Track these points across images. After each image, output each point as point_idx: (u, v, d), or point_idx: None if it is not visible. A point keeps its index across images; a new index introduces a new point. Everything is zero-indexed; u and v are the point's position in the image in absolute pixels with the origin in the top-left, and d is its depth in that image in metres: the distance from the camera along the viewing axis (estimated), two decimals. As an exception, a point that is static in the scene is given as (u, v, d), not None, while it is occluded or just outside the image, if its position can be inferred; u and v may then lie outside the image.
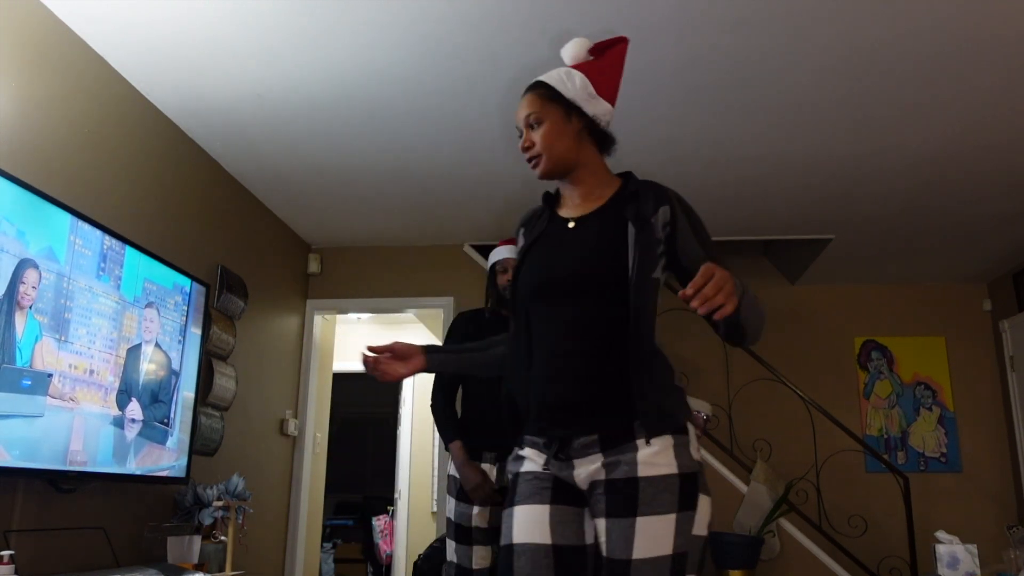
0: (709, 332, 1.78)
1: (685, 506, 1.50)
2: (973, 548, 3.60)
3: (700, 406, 4.64)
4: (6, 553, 2.19)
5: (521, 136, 1.73)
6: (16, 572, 2.21)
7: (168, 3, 2.65)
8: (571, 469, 1.59)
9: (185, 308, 3.25)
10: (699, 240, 1.65)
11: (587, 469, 1.57)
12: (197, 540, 3.12)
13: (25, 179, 2.49)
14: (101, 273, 2.72)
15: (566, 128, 1.69)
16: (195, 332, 3.33)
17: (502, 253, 3.03)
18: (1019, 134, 3.50)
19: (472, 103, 3.31)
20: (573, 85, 1.69)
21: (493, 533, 2.79)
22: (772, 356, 5.22)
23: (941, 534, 3.70)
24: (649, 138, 3.61)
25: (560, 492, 1.61)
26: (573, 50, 1.75)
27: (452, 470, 2.89)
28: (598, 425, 1.57)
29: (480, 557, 2.79)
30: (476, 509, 2.79)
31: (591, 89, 1.70)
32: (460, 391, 3.11)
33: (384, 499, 7.22)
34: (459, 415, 3.00)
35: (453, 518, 2.84)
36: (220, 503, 3.16)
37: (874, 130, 3.50)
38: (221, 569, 3.16)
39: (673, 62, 2.99)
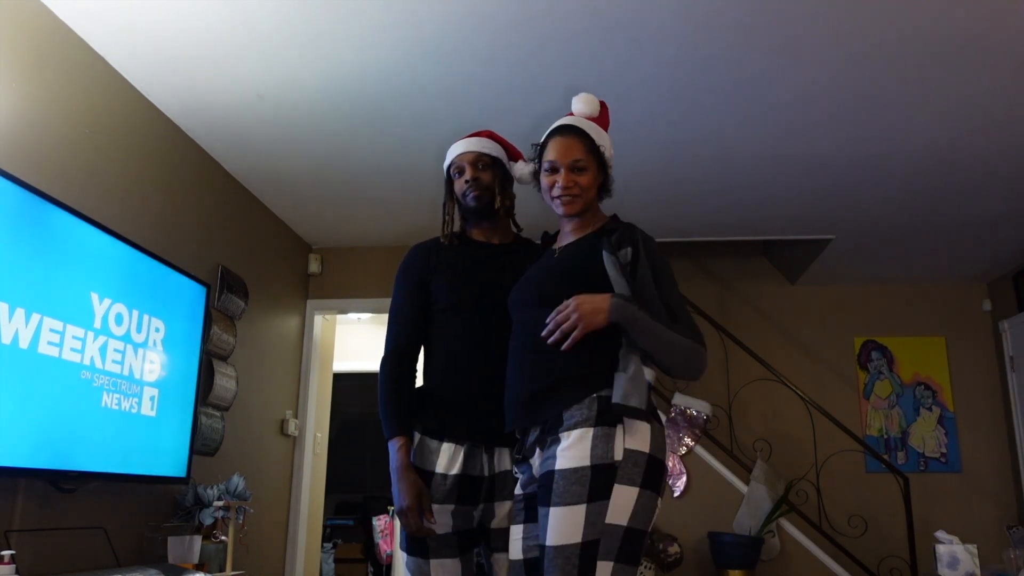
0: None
1: None
2: (973, 548, 3.60)
3: (700, 406, 4.64)
4: (7, 553, 2.19)
5: (555, 172, 1.91)
6: (16, 572, 2.21)
7: (168, 3, 2.65)
8: None
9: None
10: (655, 277, 1.82)
11: None
12: (197, 540, 3.12)
13: (25, 179, 2.50)
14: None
15: (596, 180, 1.94)
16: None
17: (457, 149, 2.18)
18: (1019, 135, 3.50)
19: (471, 104, 3.32)
20: (605, 146, 1.94)
21: (459, 539, 1.97)
22: (772, 356, 5.23)
23: (941, 534, 3.70)
24: (650, 138, 3.61)
25: None
26: (589, 107, 1.96)
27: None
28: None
29: None
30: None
31: (612, 151, 1.96)
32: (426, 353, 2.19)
33: (384, 499, 7.21)
34: (425, 386, 2.15)
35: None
36: (220, 503, 3.16)
37: (874, 130, 3.50)
38: (221, 569, 3.16)
39: (674, 63, 2.99)
